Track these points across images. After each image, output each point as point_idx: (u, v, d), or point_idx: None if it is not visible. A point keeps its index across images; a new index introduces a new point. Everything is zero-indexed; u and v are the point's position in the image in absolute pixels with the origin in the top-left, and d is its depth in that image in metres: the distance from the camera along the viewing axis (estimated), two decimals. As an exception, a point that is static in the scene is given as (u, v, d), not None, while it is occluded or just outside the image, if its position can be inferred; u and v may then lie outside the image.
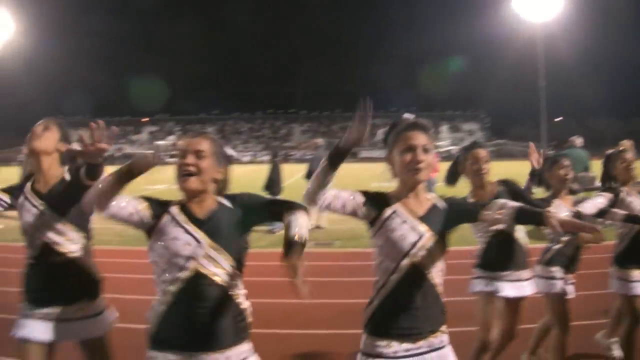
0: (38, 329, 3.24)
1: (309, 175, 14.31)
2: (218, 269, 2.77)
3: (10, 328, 3.31)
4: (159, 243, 2.80)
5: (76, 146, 3.35)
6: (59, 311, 3.26)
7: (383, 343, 2.88)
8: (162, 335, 2.76)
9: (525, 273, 4.67)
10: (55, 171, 3.44)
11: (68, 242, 3.36)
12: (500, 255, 4.50)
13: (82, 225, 3.41)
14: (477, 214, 2.96)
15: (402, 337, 2.88)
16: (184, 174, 2.87)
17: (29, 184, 3.44)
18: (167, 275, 2.76)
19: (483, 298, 4.51)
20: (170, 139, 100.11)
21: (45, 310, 3.26)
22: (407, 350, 2.87)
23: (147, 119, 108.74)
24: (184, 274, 2.72)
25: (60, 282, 3.28)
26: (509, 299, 4.61)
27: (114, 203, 2.77)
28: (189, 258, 2.73)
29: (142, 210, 2.85)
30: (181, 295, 2.73)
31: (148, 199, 2.91)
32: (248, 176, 19.35)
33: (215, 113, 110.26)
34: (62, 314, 3.26)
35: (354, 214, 2.97)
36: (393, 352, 2.86)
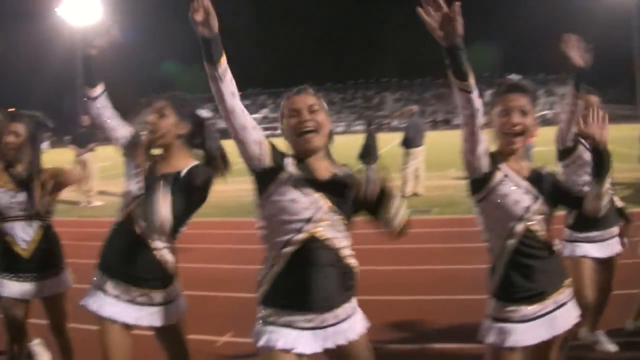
0: (113, 307, 3.13)
1: (404, 142, 14.13)
2: (334, 232, 2.72)
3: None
4: (275, 204, 2.72)
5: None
6: (131, 290, 3.15)
7: (512, 308, 2.87)
8: (274, 297, 2.74)
9: (613, 230, 4.43)
10: (180, 161, 3.33)
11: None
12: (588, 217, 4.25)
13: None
14: (577, 203, 3.01)
15: (531, 299, 2.86)
16: (305, 132, 2.76)
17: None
18: (281, 237, 2.71)
19: (575, 261, 4.31)
20: (263, 112, 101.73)
21: (121, 288, 3.15)
22: (536, 312, 2.86)
23: (239, 93, 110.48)
24: (299, 237, 2.67)
25: (134, 262, 3.16)
26: (601, 259, 4.40)
27: (244, 113, 2.71)
28: (307, 221, 2.66)
29: (265, 147, 2.75)
30: (295, 258, 2.68)
31: (270, 142, 2.80)
32: (342, 146, 19.29)
33: (306, 84, 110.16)
34: (133, 295, 3.15)
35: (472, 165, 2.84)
36: (522, 315, 2.85)
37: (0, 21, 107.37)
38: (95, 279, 3.22)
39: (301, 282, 2.68)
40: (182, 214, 3.15)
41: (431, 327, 5.36)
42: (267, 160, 2.75)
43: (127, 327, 3.16)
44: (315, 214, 2.67)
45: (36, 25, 72.51)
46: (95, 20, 54.91)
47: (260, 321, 2.78)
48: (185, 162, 3.25)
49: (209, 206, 12.44)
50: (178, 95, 3.34)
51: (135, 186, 3.18)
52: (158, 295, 3.19)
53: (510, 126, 2.82)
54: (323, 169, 2.80)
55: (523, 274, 2.86)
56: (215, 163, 3.33)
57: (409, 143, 14.18)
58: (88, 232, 10.38)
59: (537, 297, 2.86)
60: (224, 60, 2.59)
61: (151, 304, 3.18)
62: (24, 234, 3.69)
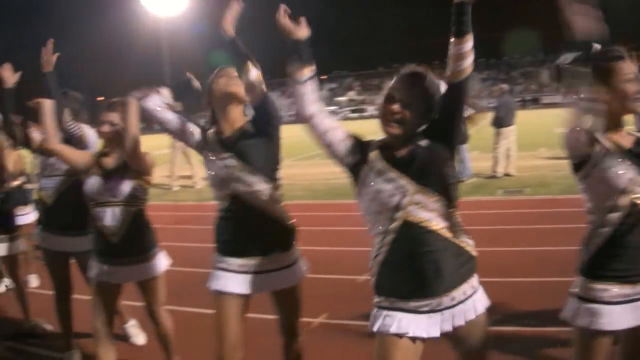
0: (233, 282, 3.28)
1: (495, 122, 13.83)
2: (428, 212, 2.66)
3: (205, 281, 3.40)
4: (363, 196, 2.76)
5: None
6: (253, 263, 3.28)
7: (601, 287, 2.73)
8: (383, 285, 2.74)
9: None
10: (240, 121, 3.44)
11: (258, 193, 3.31)
12: None
13: (270, 175, 3.36)
14: None
15: (622, 280, 2.71)
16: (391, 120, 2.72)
17: (211, 134, 3.45)
18: (378, 227, 2.72)
19: None
20: (350, 95, 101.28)
21: (240, 262, 3.29)
22: (626, 295, 2.70)
23: (325, 76, 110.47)
24: (394, 225, 2.66)
25: (254, 234, 3.30)
26: None
27: (325, 116, 2.81)
28: (396, 209, 2.65)
29: (349, 144, 2.83)
30: (396, 245, 2.67)
31: (353, 136, 2.85)
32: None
33: (394, 66, 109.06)
34: (257, 266, 3.28)
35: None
36: (611, 296, 2.70)
37: (89, 11, 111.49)
38: (215, 261, 3.38)
39: (406, 269, 2.65)
40: (271, 155, 3.35)
41: (525, 309, 5.32)
42: (352, 156, 2.80)
43: (244, 299, 3.32)
44: (402, 200, 2.64)
45: (122, 15, 74.23)
46: (178, 11, 55.99)
47: (375, 306, 2.76)
48: (241, 119, 3.43)
49: (299, 189, 12.83)
50: None
51: (217, 167, 3.32)
52: (284, 258, 3.37)
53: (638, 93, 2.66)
54: (404, 152, 2.73)
55: (619, 252, 2.70)
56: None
57: (499, 122, 13.89)
58: (179, 216, 10.76)
59: (629, 278, 2.69)
60: (310, 67, 2.74)
61: (276, 268, 3.34)
62: (114, 220, 3.78)
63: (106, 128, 3.84)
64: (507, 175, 13.84)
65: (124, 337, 5.05)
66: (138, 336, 5.11)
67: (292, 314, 3.52)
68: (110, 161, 3.90)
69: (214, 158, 3.34)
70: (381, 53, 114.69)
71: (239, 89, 3.37)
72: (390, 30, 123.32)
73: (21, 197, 6.80)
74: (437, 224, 2.66)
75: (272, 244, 3.34)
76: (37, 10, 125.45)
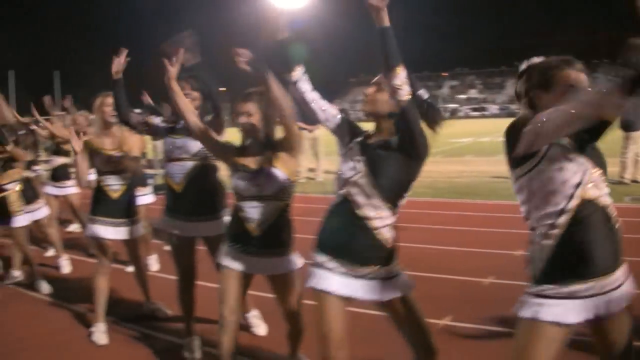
0: (333, 281, 3.16)
1: (623, 125, 12.88)
2: (601, 190, 2.60)
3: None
4: (541, 175, 2.62)
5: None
6: (353, 267, 3.15)
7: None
8: (553, 272, 2.60)
9: None
10: (388, 130, 3.27)
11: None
12: None
13: (390, 198, 3.17)
14: None
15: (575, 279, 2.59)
16: None
17: (360, 138, 3.35)
18: (551, 208, 2.60)
19: None
20: (471, 93, 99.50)
21: (341, 263, 3.17)
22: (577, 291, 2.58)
23: (446, 73, 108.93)
24: (571, 204, 2.55)
25: (354, 239, 3.16)
26: None
27: None
28: (577, 186, 2.56)
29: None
30: (571, 227, 2.57)
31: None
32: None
33: (516, 65, 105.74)
34: (356, 271, 3.15)
35: None
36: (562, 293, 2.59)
37: (214, 3, 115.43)
38: (314, 258, 3.26)
39: (581, 250, 2.55)
40: (403, 178, 3.17)
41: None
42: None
43: (345, 301, 3.18)
44: (583, 177, 2.57)
45: (244, 6, 76.08)
46: (302, 4, 56.76)
47: (531, 296, 2.65)
48: (391, 133, 3.23)
49: (421, 186, 12.60)
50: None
51: (347, 167, 3.21)
52: (381, 272, 3.19)
53: None
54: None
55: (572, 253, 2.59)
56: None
57: (628, 126, 13.00)
58: (305, 208, 10.75)
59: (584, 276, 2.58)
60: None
61: (374, 278, 3.18)
62: (260, 214, 3.71)
63: (243, 119, 3.76)
64: (634, 181, 13.12)
65: (244, 327, 4.99)
66: (259, 327, 5.06)
67: (415, 328, 3.33)
68: (253, 155, 3.82)
69: (348, 155, 3.26)
70: (504, 51, 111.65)
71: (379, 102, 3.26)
72: (515, 29, 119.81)
73: (140, 179, 7.05)
74: (605, 201, 2.64)
75: (372, 253, 3.19)
76: (160, 5, 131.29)
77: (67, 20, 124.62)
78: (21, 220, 6.54)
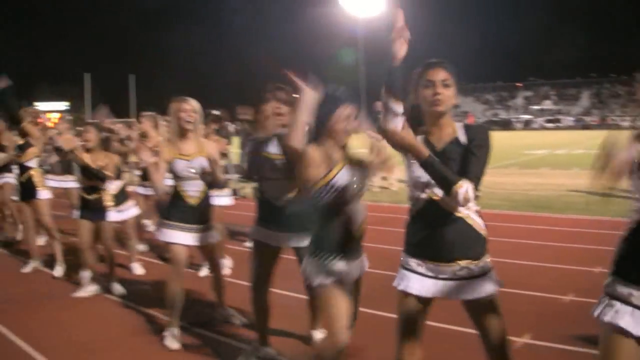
0: (417, 283, 3.19)
1: None
2: None
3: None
4: None
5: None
6: (440, 267, 3.16)
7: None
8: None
9: None
10: (449, 127, 3.27)
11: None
12: None
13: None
14: None
15: None
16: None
17: (420, 137, 3.28)
18: None
19: None
20: (546, 104, 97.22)
21: (426, 265, 3.19)
22: None
23: (520, 84, 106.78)
24: None
25: (443, 239, 3.15)
26: None
27: None
28: None
29: None
30: None
31: None
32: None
33: (592, 76, 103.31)
34: (444, 272, 3.16)
35: None
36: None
37: (288, 10, 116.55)
38: (405, 261, 3.27)
39: None
40: (474, 168, 3.12)
41: None
42: None
43: (426, 302, 3.22)
44: None
45: (320, 13, 76.44)
46: (377, 12, 56.67)
47: (607, 296, 2.65)
48: (452, 127, 3.25)
49: (497, 198, 12.35)
50: (452, 65, 3.28)
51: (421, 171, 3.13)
52: (474, 267, 3.16)
53: None
54: None
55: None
56: None
57: None
58: (376, 217, 10.64)
59: None
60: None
61: (464, 277, 3.16)
62: (361, 217, 3.67)
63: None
64: None
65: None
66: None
67: (491, 328, 3.23)
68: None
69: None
70: (579, 62, 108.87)
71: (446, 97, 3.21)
72: (590, 41, 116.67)
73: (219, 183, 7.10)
74: None
75: (461, 251, 3.17)
76: (235, 11, 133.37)
77: (142, 24, 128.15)
78: (112, 216, 6.71)
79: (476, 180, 3.06)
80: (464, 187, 2.94)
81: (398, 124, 3.04)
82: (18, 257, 8.48)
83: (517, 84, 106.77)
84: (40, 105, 58.36)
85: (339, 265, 3.53)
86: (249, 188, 12.81)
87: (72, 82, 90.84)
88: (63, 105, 77.08)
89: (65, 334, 5.38)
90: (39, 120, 8.53)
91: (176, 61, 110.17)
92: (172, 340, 5.01)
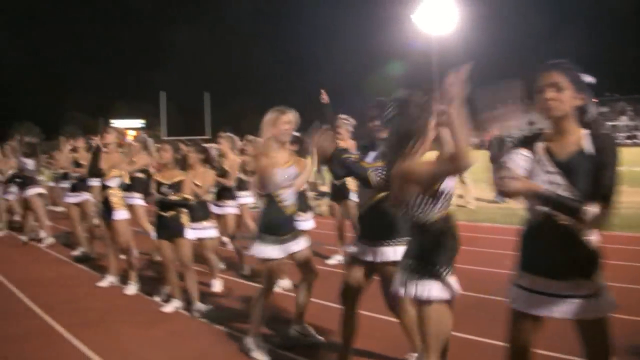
0: (528, 301, 3.12)
1: None
2: None
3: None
4: None
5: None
6: (552, 284, 3.06)
7: None
8: None
9: None
10: (573, 135, 3.12)
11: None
12: None
13: (597, 199, 2.96)
14: None
15: None
16: None
17: (541, 144, 3.17)
18: None
19: None
20: (622, 120, 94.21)
21: (539, 281, 3.10)
22: None
23: (596, 99, 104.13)
24: None
25: (558, 255, 3.05)
26: None
27: None
28: None
29: None
30: None
31: None
32: None
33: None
34: (556, 288, 3.05)
35: None
36: None
37: (362, 28, 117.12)
38: (519, 279, 3.20)
39: None
40: (603, 179, 2.98)
41: None
42: None
43: (539, 320, 3.14)
44: None
45: (393, 30, 76.39)
46: (449, 30, 56.40)
47: None
48: (577, 134, 3.11)
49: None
50: (568, 65, 3.14)
51: (540, 181, 3.04)
52: (585, 286, 3.04)
53: None
54: None
55: None
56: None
57: None
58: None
59: None
60: None
61: (576, 295, 3.04)
62: None
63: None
64: None
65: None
66: None
67: (598, 350, 3.11)
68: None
69: (536, 169, 3.11)
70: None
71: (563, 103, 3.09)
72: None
73: (302, 203, 7.18)
74: None
75: (575, 268, 3.05)
76: (311, 32, 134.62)
77: (216, 43, 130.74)
78: (190, 233, 6.69)
79: (609, 197, 2.93)
80: (590, 210, 2.83)
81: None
82: (95, 272, 8.62)
83: (593, 100, 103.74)
84: (117, 123, 60.21)
85: (452, 279, 3.33)
86: (324, 206, 12.73)
87: (148, 100, 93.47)
88: (139, 122, 79.08)
89: (145, 352, 5.39)
90: (121, 141, 8.68)
91: (251, 79, 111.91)
92: (261, 353, 5.03)
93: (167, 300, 6.71)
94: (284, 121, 5.12)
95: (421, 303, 3.26)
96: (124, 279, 7.74)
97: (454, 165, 2.98)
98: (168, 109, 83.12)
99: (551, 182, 3.03)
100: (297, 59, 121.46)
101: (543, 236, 3.09)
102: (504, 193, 3.04)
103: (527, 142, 3.21)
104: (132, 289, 7.47)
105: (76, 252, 10.17)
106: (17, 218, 13.06)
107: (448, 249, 3.30)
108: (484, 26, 79.20)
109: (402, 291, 3.32)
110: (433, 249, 3.28)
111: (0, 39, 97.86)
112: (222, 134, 9.12)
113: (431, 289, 3.24)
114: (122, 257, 7.87)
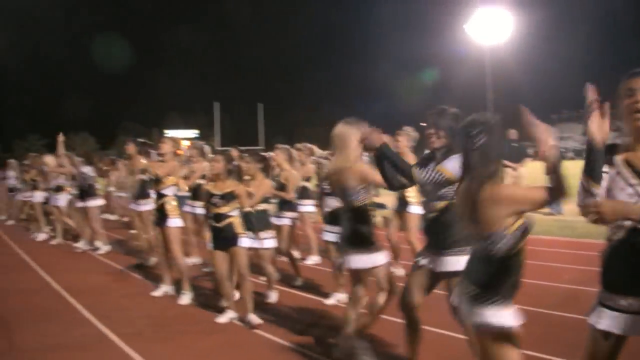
0: (614, 321, 2.96)
1: None
2: None
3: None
4: None
5: None
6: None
7: None
8: None
9: None
10: None
11: None
12: None
13: None
14: None
15: None
16: None
17: (620, 156, 2.98)
18: None
19: None
20: None
21: (628, 301, 2.93)
22: None
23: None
24: None
25: None
26: None
27: None
28: None
29: None
30: None
31: None
32: None
33: None
34: None
35: None
36: None
37: (415, 40, 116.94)
38: (599, 296, 3.06)
39: None
40: None
41: None
42: None
43: (621, 339, 2.99)
44: None
45: (447, 43, 76.13)
46: (502, 39, 55.91)
47: None
48: None
49: None
50: None
51: (623, 195, 2.89)
52: None
53: None
54: None
55: None
56: None
57: None
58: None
59: None
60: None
61: None
62: None
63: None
64: None
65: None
66: None
67: None
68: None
69: (617, 182, 2.94)
70: None
71: None
72: None
73: (265, 221, 7.29)
74: None
75: None
76: (368, 41, 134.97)
77: (270, 53, 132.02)
78: (245, 242, 6.55)
79: None
80: None
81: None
82: (150, 281, 8.63)
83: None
84: (171, 133, 61.15)
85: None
86: (379, 217, 12.53)
87: (202, 111, 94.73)
88: (192, 133, 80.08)
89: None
90: (177, 151, 8.67)
91: (306, 91, 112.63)
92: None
93: (225, 310, 6.58)
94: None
95: (482, 333, 3.08)
96: (179, 289, 7.67)
97: (552, 198, 2.90)
98: (222, 120, 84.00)
99: (635, 194, 2.86)
100: (347, 72, 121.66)
101: (631, 252, 2.90)
102: (595, 220, 2.81)
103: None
104: (185, 298, 7.41)
105: (136, 260, 10.35)
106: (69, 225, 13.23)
107: (514, 283, 3.09)
108: (539, 36, 78.19)
109: (462, 314, 3.22)
110: (500, 281, 3.07)
111: (57, 51, 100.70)
112: (279, 145, 9.06)
113: (493, 317, 3.03)
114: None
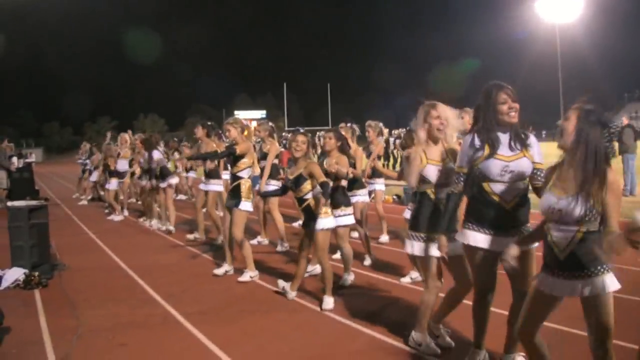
0: None
1: None
2: None
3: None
4: None
5: None
6: None
7: None
8: None
9: None
10: None
11: None
12: None
13: None
14: None
15: None
16: None
17: None
18: None
19: None
20: None
21: None
22: None
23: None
24: None
25: None
26: None
27: None
28: None
29: None
30: None
31: None
32: None
33: None
34: None
35: None
36: None
37: (486, 17, 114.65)
38: None
39: None
40: None
41: None
42: None
43: None
44: None
45: (516, 22, 74.53)
46: (573, 18, 54.47)
47: None
48: None
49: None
50: None
51: None
52: None
53: None
54: None
55: None
56: None
57: None
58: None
59: None
60: None
61: None
62: (561, 238, 3.45)
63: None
64: None
65: None
66: None
67: None
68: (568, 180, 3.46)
69: None
70: None
71: None
72: None
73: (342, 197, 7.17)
74: None
75: None
76: (432, 20, 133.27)
77: (339, 34, 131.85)
78: (325, 223, 6.29)
79: None
80: None
81: None
82: (216, 260, 8.62)
83: None
84: (240, 114, 61.70)
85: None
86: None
87: (270, 92, 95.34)
88: (260, 113, 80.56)
89: (266, 343, 5.17)
90: (248, 130, 8.54)
91: (372, 73, 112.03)
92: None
93: (291, 290, 6.45)
94: (434, 116, 4.81)
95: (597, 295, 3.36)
96: (242, 269, 7.57)
97: None
98: (289, 100, 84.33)
99: None
100: (413, 55, 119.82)
101: None
102: None
103: None
104: (245, 276, 7.34)
105: (190, 236, 10.55)
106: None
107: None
108: (609, 14, 75.63)
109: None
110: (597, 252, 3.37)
111: (131, 37, 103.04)
112: (342, 124, 8.89)
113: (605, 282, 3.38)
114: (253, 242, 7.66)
